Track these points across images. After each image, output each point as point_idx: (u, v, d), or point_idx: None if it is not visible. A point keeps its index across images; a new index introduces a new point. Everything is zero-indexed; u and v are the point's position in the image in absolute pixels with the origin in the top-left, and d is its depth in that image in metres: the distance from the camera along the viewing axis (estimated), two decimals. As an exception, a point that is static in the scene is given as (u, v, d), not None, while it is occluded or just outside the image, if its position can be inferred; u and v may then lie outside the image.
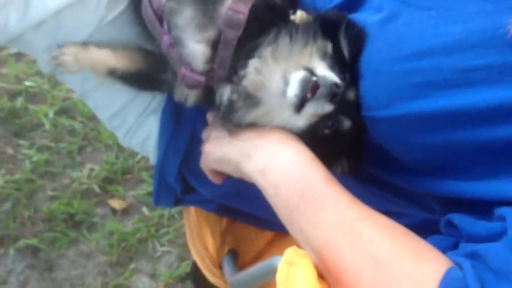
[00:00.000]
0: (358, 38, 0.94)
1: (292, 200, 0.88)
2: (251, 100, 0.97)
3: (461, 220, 0.79)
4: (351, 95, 0.93)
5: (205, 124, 1.13)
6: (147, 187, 2.13)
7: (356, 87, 0.93)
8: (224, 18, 0.97)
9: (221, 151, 1.02)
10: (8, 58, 2.38)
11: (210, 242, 1.30)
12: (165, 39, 1.03)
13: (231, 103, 0.99)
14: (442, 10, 0.84)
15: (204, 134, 1.10)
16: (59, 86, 2.30)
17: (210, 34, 1.00)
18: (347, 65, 0.95)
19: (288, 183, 0.88)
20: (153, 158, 1.31)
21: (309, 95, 0.90)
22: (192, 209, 1.30)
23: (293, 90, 0.92)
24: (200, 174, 1.14)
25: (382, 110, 0.89)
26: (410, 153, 0.91)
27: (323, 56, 0.96)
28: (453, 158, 0.85)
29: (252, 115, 0.97)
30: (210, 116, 1.11)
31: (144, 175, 2.14)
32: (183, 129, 1.22)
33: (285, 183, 0.88)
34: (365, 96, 0.92)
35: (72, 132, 2.23)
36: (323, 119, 0.93)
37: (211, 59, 1.00)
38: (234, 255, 1.28)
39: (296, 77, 0.92)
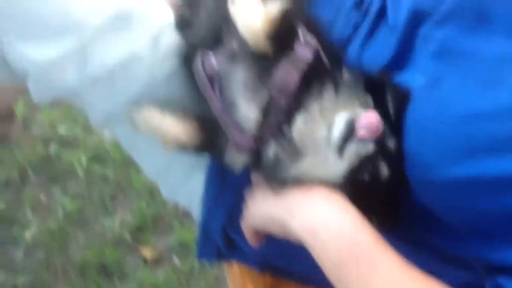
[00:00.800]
0: (403, 96, 0.94)
1: (341, 261, 0.86)
2: (297, 153, 0.97)
3: None
4: (391, 143, 0.93)
5: (249, 183, 1.13)
6: (178, 235, 2.12)
7: (397, 139, 0.92)
8: (276, 84, 0.99)
9: (266, 210, 1.01)
10: (42, 104, 2.42)
11: (254, 299, 1.27)
12: (217, 104, 1.04)
13: (276, 158, 0.99)
14: (487, 74, 0.84)
15: (248, 194, 1.10)
16: (91, 133, 2.32)
17: (262, 98, 1.01)
18: (390, 119, 0.94)
19: (336, 242, 0.87)
20: (197, 213, 1.30)
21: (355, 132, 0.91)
22: (236, 265, 1.28)
23: (337, 130, 0.92)
24: (241, 232, 1.13)
25: (430, 172, 0.88)
26: (459, 217, 0.89)
27: (365, 106, 0.97)
28: (504, 223, 0.82)
29: (297, 169, 0.97)
30: (254, 176, 1.11)
31: (175, 223, 2.13)
32: (228, 187, 1.21)
33: (334, 243, 0.87)
34: (409, 155, 0.91)
35: (105, 179, 2.23)
36: (364, 162, 0.92)
37: (263, 122, 1.02)
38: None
39: (341, 118, 0.93)
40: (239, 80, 1.04)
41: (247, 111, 1.03)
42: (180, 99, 1.20)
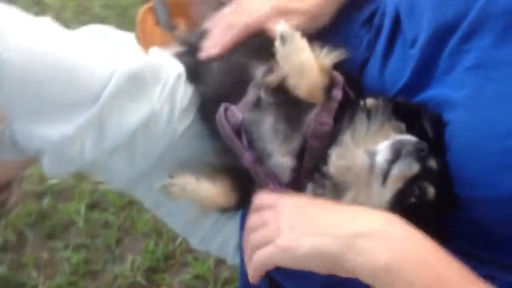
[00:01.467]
0: (439, 120, 0.94)
1: None
2: (338, 189, 0.95)
3: None
4: (433, 163, 0.92)
5: None
6: (193, 270, 2.06)
7: (439, 159, 0.92)
8: (310, 130, 0.98)
9: (310, 244, 0.87)
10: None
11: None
12: (247, 156, 1.01)
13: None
14: None
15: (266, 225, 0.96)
16: (85, 180, 2.24)
17: (295, 145, 0.99)
18: (429, 142, 0.94)
19: (422, 278, 0.79)
20: (231, 259, 1.27)
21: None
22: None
23: (382, 157, 0.91)
24: (284, 270, 1.10)
25: (479, 190, 0.87)
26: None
27: (400, 132, 0.97)
28: None
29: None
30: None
31: (189, 258, 2.08)
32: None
33: (419, 280, 0.79)
34: (457, 174, 0.90)
35: (106, 224, 2.15)
36: (409, 186, 0.91)
37: (297, 169, 0.99)
38: None
39: (384, 144, 0.93)
40: (268, 128, 1.01)
41: (281, 160, 1.01)
42: (202, 154, 1.17)
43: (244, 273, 1.23)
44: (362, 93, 1.08)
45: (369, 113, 0.99)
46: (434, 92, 0.99)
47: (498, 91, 0.87)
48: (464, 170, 0.89)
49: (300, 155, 0.99)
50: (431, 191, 0.93)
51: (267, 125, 1.01)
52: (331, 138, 0.98)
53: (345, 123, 0.99)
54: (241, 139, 1.02)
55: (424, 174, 0.92)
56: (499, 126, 0.84)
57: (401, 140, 0.93)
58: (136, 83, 1.06)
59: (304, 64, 0.97)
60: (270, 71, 1.04)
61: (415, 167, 0.91)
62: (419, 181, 0.92)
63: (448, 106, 0.94)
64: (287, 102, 1.00)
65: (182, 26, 1.45)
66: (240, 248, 1.22)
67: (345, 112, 1.00)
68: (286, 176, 1.00)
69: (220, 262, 2.06)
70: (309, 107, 0.99)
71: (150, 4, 1.61)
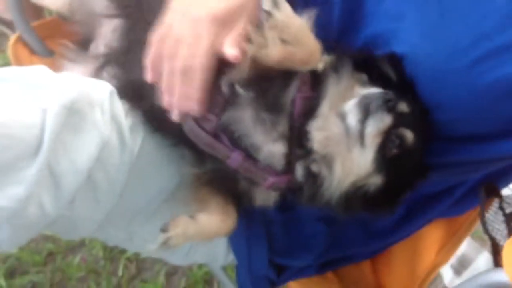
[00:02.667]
0: (394, 58, 0.95)
1: None
2: (327, 161, 0.94)
3: None
4: (403, 107, 0.94)
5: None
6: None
7: (408, 99, 0.93)
8: (299, 108, 0.93)
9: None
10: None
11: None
12: (235, 156, 0.94)
13: (313, 177, 0.94)
14: None
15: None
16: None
17: (282, 128, 0.94)
18: (394, 84, 0.95)
19: None
20: (223, 260, 1.22)
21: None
22: (292, 284, 1.23)
23: (353, 117, 0.91)
24: (286, 251, 1.09)
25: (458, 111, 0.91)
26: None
27: (363, 84, 0.96)
28: None
29: (336, 176, 0.93)
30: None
31: (136, 283, 1.95)
32: (256, 222, 1.14)
33: None
34: (433, 101, 0.93)
35: (35, 286, 1.94)
36: (388, 138, 0.92)
37: (289, 153, 0.95)
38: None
39: (352, 104, 0.92)
40: (250, 122, 0.94)
41: (272, 148, 0.95)
42: (168, 168, 1.08)
43: (249, 271, 1.19)
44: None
45: (332, 75, 0.96)
46: (375, 29, 0.99)
47: (441, 7, 0.89)
48: (438, 95, 0.91)
49: (289, 138, 0.95)
50: (409, 135, 0.94)
51: (248, 119, 0.94)
52: (310, 111, 0.95)
53: (318, 90, 0.95)
54: (221, 142, 0.96)
55: (398, 121, 0.92)
56: (459, 40, 0.86)
57: (367, 95, 0.92)
58: (74, 115, 0.93)
59: (304, 28, 0.91)
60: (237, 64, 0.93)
61: (387, 119, 0.91)
62: (395, 130, 0.92)
63: (398, 38, 0.95)
64: (261, 89, 0.93)
65: (65, 45, 1.31)
66: (235, 249, 1.18)
67: (316, 79, 0.97)
68: (279, 163, 0.96)
69: (170, 274, 1.97)
70: (283, 86, 0.93)
71: (16, 34, 1.44)
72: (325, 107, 0.93)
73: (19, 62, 1.40)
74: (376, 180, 0.93)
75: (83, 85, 0.98)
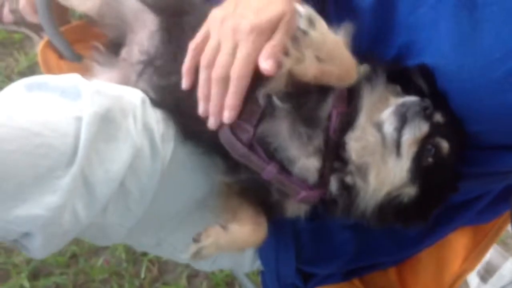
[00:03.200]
0: (426, 70, 0.95)
1: None
2: (361, 171, 0.94)
3: None
4: (438, 117, 0.94)
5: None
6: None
7: (442, 111, 0.94)
8: (335, 124, 0.93)
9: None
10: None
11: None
12: (270, 169, 0.94)
13: (348, 189, 0.95)
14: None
15: None
16: (14, 252, 2.00)
17: (318, 143, 0.94)
18: (427, 96, 0.95)
19: None
20: (249, 267, 1.22)
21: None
22: (319, 291, 1.23)
23: (390, 126, 0.91)
24: (314, 259, 1.10)
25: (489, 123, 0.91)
26: None
27: (397, 95, 0.97)
28: None
29: (371, 187, 0.94)
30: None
31: (159, 286, 1.97)
32: (285, 230, 1.14)
33: None
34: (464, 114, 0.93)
35: (59, 288, 1.96)
36: (424, 147, 0.92)
37: (323, 167, 0.95)
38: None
39: (388, 112, 0.92)
40: (286, 135, 0.94)
41: (307, 162, 0.95)
42: (198, 178, 1.09)
43: (277, 279, 1.19)
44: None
45: (367, 88, 0.96)
46: (406, 39, 0.99)
47: (473, 19, 0.89)
48: (469, 107, 0.91)
49: (324, 153, 0.94)
50: (444, 145, 0.94)
51: (285, 132, 0.94)
52: (346, 126, 0.95)
53: (355, 103, 0.95)
54: (256, 154, 0.96)
55: (434, 131, 0.92)
56: (491, 53, 0.85)
57: (403, 103, 0.92)
58: (108, 124, 0.94)
59: (340, 45, 0.91)
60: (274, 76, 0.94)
61: (424, 127, 0.91)
62: (432, 139, 0.93)
63: (429, 49, 0.94)
64: (298, 102, 0.93)
65: (96, 48, 1.32)
66: (262, 256, 1.18)
67: (351, 91, 0.96)
68: (313, 177, 0.96)
69: (192, 276, 1.98)
70: (320, 101, 0.93)
71: (45, 39, 1.45)
72: (361, 119, 0.94)
73: (47, 67, 1.41)
74: (411, 191, 0.93)
75: (116, 93, 0.99)
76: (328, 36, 0.91)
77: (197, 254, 0.96)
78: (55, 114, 0.91)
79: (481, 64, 0.86)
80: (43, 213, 0.88)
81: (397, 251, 1.21)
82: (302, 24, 0.90)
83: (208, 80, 0.96)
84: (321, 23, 0.91)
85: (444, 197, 0.99)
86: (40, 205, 0.88)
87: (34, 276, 1.96)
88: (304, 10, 0.90)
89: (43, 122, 0.89)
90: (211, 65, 0.95)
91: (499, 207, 1.22)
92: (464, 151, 0.97)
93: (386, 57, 1.02)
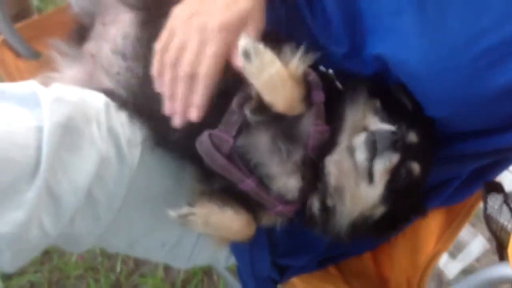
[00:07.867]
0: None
1: None
2: (339, 194, 0.94)
3: None
4: (412, 137, 0.94)
5: None
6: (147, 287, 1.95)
7: (418, 126, 0.94)
8: (313, 143, 0.92)
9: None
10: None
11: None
12: (249, 183, 0.93)
13: (327, 210, 0.95)
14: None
15: None
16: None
17: (297, 160, 0.93)
18: (407, 109, 0.95)
19: None
20: (225, 262, 1.21)
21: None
22: (295, 281, 1.22)
23: (361, 155, 0.91)
24: (288, 253, 1.12)
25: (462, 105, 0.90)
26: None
27: (375, 112, 0.95)
28: None
29: (346, 208, 0.94)
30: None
31: (136, 278, 1.95)
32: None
33: None
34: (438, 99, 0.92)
35: (34, 286, 1.92)
36: (395, 173, 0.92)
37: (304, 186, 0.94)
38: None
39: (360, 140, 0.91)
40: (266, 150, 0.93)
41: (287, 181, 0.94)
42: (169, 182, 1.07)
43: (252, 274, 1.18)
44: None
45: (349, 100, 0.95)
46: (378, 46, 0.97)
47: (438, 3, 0.87)
48: (441, 92, 0.89)
49: (303, 170, 0.93)
50: (416, 168, 0.94)
51: (264, 147, 0.92)
52: (324, 144, 0.93)
53: (334, 124, 0.94)
54: (236, 167, 0.93)
55: (406, 155, 0.92)
56: (457, 37, 0.84)
57: (375, 132, 0.91)
58: (70, 133, 0.90)
59: (276, 79, 0.87)
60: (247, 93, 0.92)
61: (395, 158, 0.91)
62: (403, 164, 0.92)
63: (396, 38, 0.92)
64: (275, 116, 0.90)
65: (57, 43, 1.25)
66: (236, 254, 1.17)
67: (332, 108, 0.95)
68: (292, 195, 0.95)
69: (168, 267, 1.97)
70: (297, 117, 0.92)
71: (0, 38, 1.39)
72: (340, 143, 0.93)
73: (4, 66, 1.36)
74: (382, 209, 0.95)
75: (78, 98, 0.95)
76: (267, 66, 0.88)
77: (184, 218, 0.95)
78: (14, 125, 0.87)
79: (447, 50, 0.85)
80: (8, 230, 0.85)
81: (371, 238, 1.22)
82: (240, 59, 0.88)
83: (174, 79, 0.94)
84: (260, 52, 0.87)
85: (413, 212, 1.02)
86: (4, 222, 0.84)
87: (8, 275, 1.93)
88: (242, 42, 0.87)
89: (1, 134, 0.85)
90: (176, 64, 0.92)
91: (470, 188, 1.22)
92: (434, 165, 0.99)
93: (353, 44, 1.00)
